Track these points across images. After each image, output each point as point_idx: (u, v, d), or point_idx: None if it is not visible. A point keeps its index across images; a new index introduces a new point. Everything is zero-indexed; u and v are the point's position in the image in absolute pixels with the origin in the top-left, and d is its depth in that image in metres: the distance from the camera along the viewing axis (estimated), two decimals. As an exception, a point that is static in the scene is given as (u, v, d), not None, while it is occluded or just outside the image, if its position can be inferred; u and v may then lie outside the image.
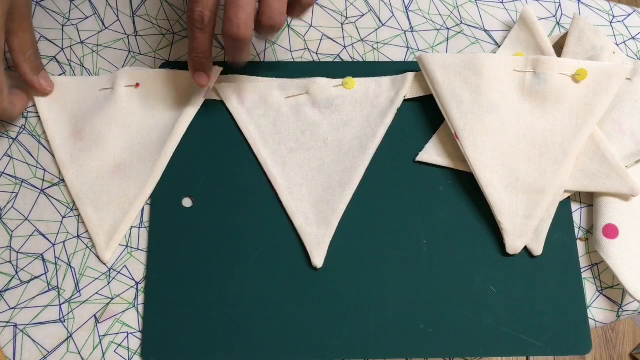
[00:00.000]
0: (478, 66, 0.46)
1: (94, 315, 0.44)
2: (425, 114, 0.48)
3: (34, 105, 0.48)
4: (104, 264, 0.45)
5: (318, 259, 0.44)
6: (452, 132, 0.46)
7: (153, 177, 0.46)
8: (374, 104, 0.48)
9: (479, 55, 0.46)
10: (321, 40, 0.51)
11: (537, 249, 0.45)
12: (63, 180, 0.47)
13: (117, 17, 0.52)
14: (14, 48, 0.44)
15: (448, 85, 0.46)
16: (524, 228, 0.44)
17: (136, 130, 0.47)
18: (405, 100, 0.48)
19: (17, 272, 0.45)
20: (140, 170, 0.46)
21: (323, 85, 0.48)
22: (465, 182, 0.46)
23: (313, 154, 0.47)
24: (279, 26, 0.41)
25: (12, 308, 0.44)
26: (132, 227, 0.46)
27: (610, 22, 0.52)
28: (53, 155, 0.47)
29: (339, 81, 0.48)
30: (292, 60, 0.50)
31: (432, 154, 0.47)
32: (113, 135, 0.47)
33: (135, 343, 0.43)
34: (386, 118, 0.47)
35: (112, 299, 0.44)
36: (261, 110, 0.48)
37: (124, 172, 0.46)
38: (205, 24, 0.41)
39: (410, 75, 0.48)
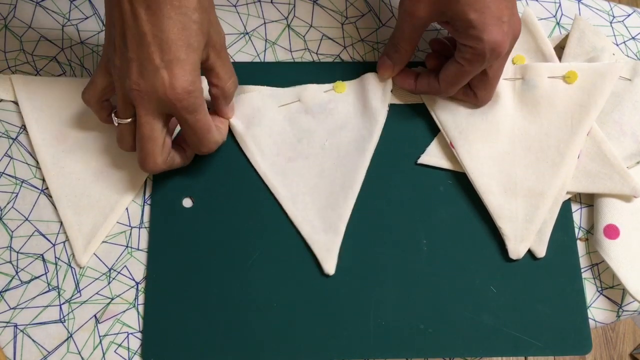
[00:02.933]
0: None
1: (94, 316, 0.44)
2: (425, 116, 0.48)
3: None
4: (81, 267, 0.45)
5: (329, 266, 0.44)
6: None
7: (136, 182, 0.46)
8: (366, 104, 0.47)
9: None
10: (321, 40, 0.51)
11: (540, 252, 0.44)
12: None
13: (117, 17, 0.52)
14: (213, 83, 0.42)
15: None
16: (525, 232, 0.44)
17: None
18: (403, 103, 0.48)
19: (17, 272, 0.45)
20: (123, 176, 0.46)
21: (314, 91, 0.48)
22: (465, 182, 0.46)
23: (312, 161, 0.46)
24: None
25: (12, 308, 0.44)
26: (132, 227, 0.46)
27: (610, 23, 0.52)
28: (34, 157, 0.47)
29: (329, 86, 0.48)
30: (292, 60, 0.50)
31: (433, 156, 0.47)
32: (98, 139, 0.47)
33: (135, 343, 0.43)
34: (380, 116, 0.46)
35: (112, 299, 0.44)
36: (255, 122, 0.47)
37: (106, 176, 0.46)
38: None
39: None
